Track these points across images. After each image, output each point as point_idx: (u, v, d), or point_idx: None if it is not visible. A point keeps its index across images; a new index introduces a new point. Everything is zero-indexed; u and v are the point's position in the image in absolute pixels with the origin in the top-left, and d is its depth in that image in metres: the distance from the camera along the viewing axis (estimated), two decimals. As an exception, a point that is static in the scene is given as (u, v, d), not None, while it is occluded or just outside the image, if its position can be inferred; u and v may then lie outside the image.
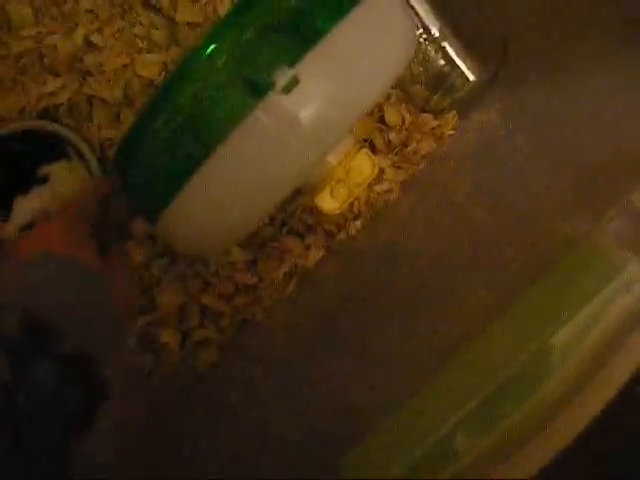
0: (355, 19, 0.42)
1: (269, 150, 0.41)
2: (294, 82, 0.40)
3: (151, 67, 0.60)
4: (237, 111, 0.40)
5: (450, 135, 0.62)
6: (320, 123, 0.41)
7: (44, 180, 0.56)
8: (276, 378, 0.59)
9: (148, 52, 0.60)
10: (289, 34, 0.41)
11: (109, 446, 0.54)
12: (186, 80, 0.42)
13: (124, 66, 0.60)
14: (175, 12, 0.60)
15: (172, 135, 0.42)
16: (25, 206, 0.55)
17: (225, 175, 0.42)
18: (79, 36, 0.60)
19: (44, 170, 0.56)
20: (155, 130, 0.42)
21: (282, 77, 0.40)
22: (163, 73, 0.60)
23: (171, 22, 0.60)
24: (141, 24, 0.60)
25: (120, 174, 0.47)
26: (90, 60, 0.60)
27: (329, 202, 0.50)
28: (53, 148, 0.58)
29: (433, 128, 0.62)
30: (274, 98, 0.40)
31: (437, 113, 0.62)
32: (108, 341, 0.40)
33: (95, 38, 0.60)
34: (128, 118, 0.59)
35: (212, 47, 0.41)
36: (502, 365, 0.42)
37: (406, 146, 0.61)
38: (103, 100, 0.60)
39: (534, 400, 0.40)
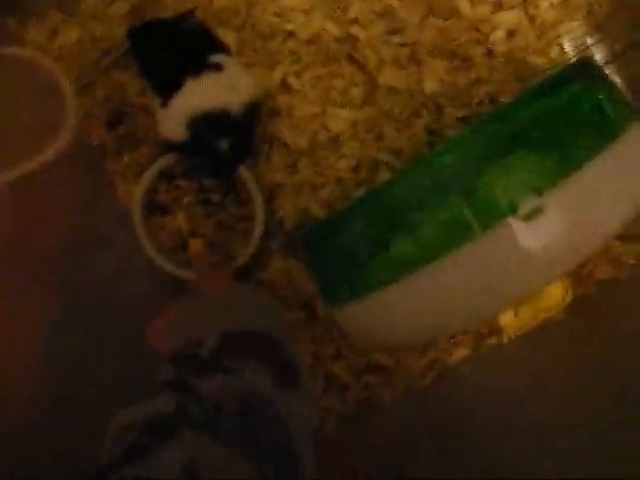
0: (609, 155, 0.39)
1: (486, 275, 0.38)
2: (538, 212, 0.37)
3: (341, 122, 0.58)
4: (462, 231, 0.38)
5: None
6: (549, 258, 0.38)
7: (217, 67, 0.53)
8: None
9: (342, 106, 0.58)
10: (542, 158, 0.38)
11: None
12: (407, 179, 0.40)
13: (314, 115, 0.58)
14: (379, 73, 0.58)
15: (377, 234, 0.40)
16: (196, 88, 0.52)
17: (431, 288, 0.39)
18: (277, 74, 0.58)
19: (217, 58, 0.54)
20: (359, 228, 0.41)
21: (527, 204, 0.37)
22: (351, 131, 0.58)
23: (372, 82, 0.58)
24: (342, 77, 0.58)
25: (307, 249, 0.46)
26: (282, 101, 0.58)
27: (511, 320, 0.47)
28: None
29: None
30: (512, 222, 0.37)
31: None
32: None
33: (292, 80, 0.58)
34: (304, 168, 0.58)
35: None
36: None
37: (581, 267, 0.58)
38: (285, 144, 0.58)
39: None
